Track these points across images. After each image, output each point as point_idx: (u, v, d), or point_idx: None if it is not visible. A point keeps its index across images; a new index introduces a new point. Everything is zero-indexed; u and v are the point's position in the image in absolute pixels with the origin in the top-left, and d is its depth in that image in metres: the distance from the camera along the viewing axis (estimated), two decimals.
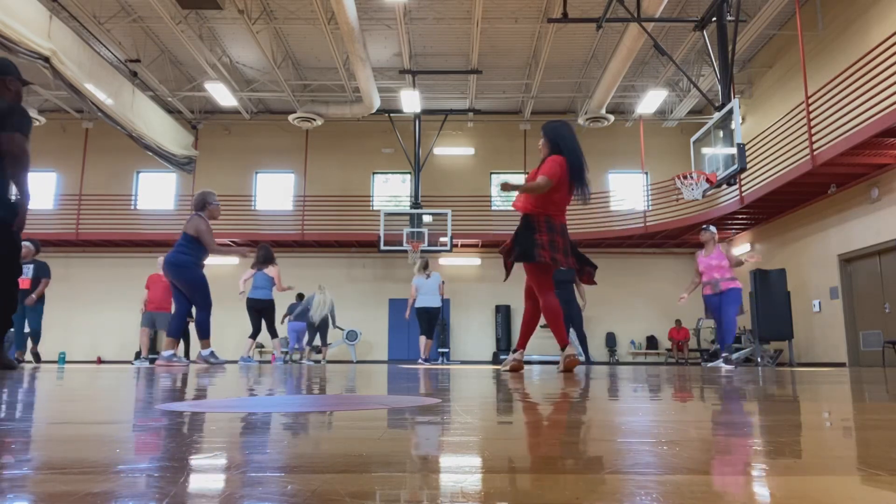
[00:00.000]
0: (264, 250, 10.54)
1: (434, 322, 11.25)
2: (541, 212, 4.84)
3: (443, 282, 11.51)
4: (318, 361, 14.51)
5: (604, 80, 14.90)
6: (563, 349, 4.85)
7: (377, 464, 0.77)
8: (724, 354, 8.11)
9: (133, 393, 2.22)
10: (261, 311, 10.36)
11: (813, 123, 12.41)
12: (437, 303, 11.24)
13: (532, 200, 4.86)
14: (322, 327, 13.05)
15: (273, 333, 10.39)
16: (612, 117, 17.05)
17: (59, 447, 0.91)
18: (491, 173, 19.48)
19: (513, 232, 5.11)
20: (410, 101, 16.24)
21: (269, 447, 0.91)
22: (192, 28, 14.16)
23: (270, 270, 10.45)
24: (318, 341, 13.34)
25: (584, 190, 4.92)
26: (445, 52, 16.27)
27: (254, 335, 10.48)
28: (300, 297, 14.36)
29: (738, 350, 14.17)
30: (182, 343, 15.22)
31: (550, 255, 4.71)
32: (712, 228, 8.49)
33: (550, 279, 4.95)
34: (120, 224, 18.57)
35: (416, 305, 11.19)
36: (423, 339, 11.17)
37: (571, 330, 10.05)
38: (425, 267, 11.35)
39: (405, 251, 16.80)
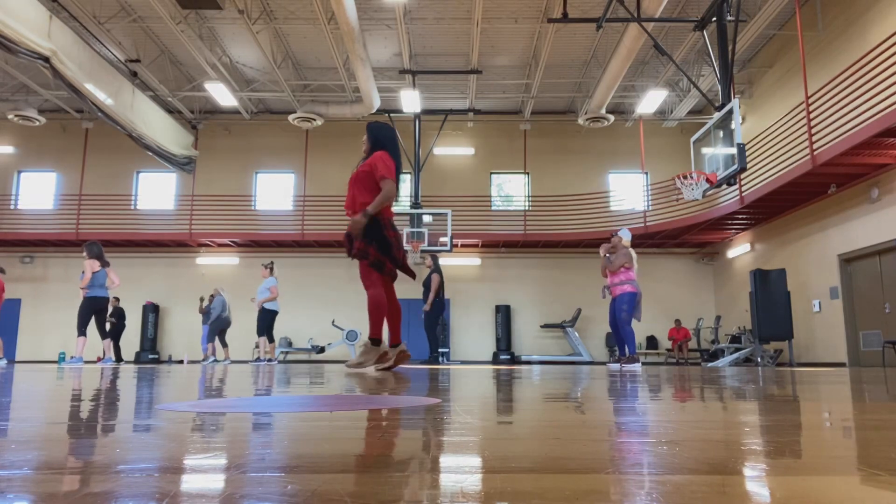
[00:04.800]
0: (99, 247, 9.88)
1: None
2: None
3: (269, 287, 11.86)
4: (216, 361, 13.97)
5: (604, 80, 14.90)
6: (395, 345, 5.14)
7: (377, 464, 0.77)
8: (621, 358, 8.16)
9: (133, 393, 2.22)
10: (105, 310, 9.83)
11: (813, 123, 12.41)
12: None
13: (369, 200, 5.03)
14: (227, 327, 13.14)
15: (104, 335, 9.94)
16: (612, 117, 17.04)
17: (59, 447, 0.91)
18: (491, 173, 19.48)
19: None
20: (410, 101, 16.23)
21: (269, 447, 0.91)
22: (192, 28, 14.16)
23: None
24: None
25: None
26: (445, 52, 16.26)
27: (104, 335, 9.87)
28: (211, 298, 13.92)
29: (738, 350, 14.18)
30: (113, 345, 14.96)
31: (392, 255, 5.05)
32: (619, 233, 8.48)
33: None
34: (120, 224, 18.57)
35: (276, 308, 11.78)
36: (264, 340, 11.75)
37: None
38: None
39: (405, 251, 16.80)
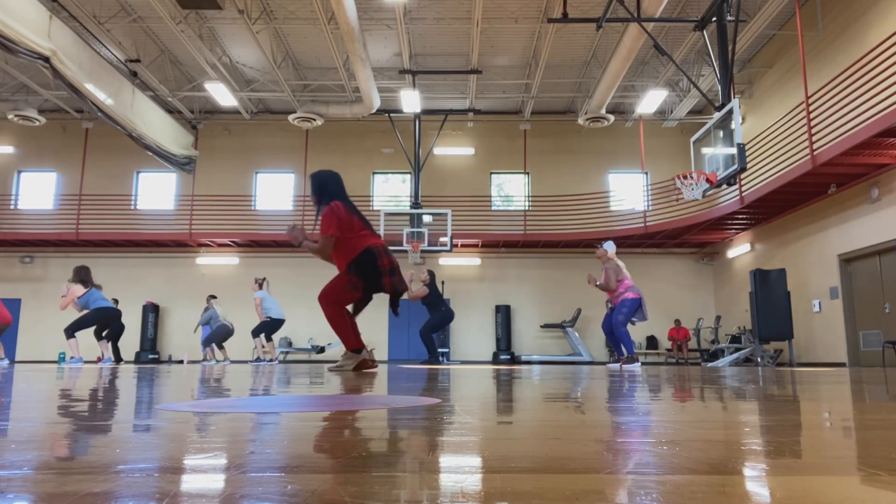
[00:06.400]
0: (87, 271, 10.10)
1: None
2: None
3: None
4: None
5: (604, 80, 14.90)
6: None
7: (377, 464, 0.77)
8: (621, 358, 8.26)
9: (133, 393, 2.22)
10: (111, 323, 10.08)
11: (813, 123, 12.41)
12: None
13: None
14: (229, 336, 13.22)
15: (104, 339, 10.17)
16: (612, 117, 17.04)
17: (59, 447, 0.91)
18: (491, 173, 19.48)
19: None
20: (410, 101, 16.23)
21: (269, 447, 0.91)
22: (192, 28, 14.16)
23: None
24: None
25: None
26: (445, 52, 16.26)
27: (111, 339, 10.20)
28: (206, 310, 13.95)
29: (738, 350, 14.18)
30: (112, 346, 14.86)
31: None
32: (604, 245, 8.57)
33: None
34: (120, 224, 18.57)
35: (274, 317, 12.03)
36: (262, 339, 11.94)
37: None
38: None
39: (405, 251, 16.80)
